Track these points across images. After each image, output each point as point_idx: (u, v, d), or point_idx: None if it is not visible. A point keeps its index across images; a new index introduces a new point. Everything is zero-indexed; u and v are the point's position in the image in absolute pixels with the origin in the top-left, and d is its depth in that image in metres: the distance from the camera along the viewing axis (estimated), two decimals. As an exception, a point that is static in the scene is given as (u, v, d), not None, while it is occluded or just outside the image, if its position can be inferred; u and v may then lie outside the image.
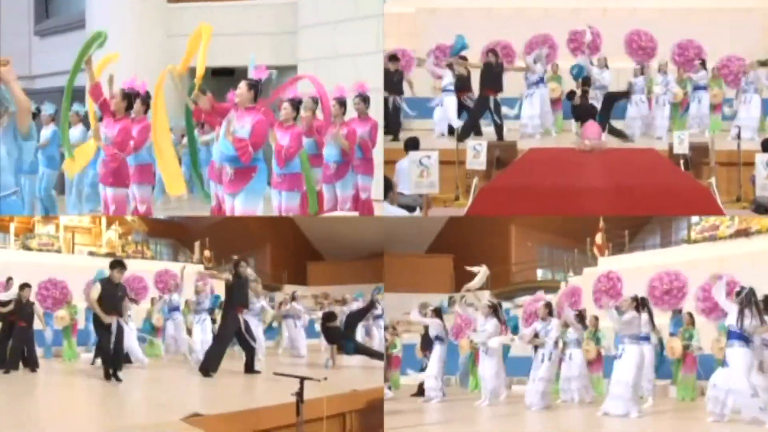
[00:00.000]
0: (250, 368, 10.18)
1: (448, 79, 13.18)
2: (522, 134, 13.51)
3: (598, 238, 16.52)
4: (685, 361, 10.79)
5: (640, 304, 8.92)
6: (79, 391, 9.61)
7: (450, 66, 13.18)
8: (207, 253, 19.67)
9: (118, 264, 9.72)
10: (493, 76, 13.05)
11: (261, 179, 8.33)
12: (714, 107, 13.75)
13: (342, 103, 9.96)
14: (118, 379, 9.36)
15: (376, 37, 13.41)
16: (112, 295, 9.50)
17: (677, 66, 13.95)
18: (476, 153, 11.54)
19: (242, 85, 8.28)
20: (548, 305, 10.08)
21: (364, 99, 10.29)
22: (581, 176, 10.76)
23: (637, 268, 13.37)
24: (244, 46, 14.46)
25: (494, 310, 10.30)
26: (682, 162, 11.74)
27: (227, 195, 8.39)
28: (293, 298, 14.33)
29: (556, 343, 9.84)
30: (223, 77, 13.85)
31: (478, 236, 19.08)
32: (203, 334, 12.40)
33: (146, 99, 9.71)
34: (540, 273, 19.81)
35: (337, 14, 14.12)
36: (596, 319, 11.39)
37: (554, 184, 10.23)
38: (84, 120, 12.03)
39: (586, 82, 13.32)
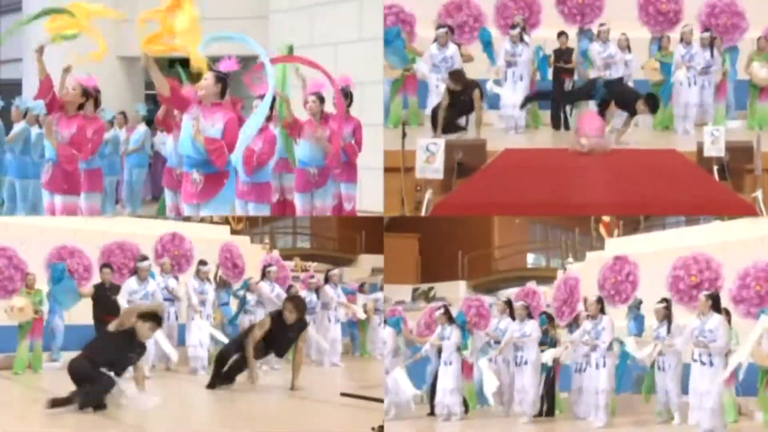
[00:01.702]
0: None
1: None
2: (506, 127, 11.39)
3: (606, 214, 15.09)
4: (720, 372, 9.49)
5: None
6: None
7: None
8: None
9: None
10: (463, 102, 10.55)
11: (232, 187, 7.51)
12: (761, 92, 11.61)
13: (321, 98, 9.00)
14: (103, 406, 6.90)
15: (360, 24, 12.23)
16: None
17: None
18: (429, 155, 8.89)
19: (209, 77, 7.24)
20: (600, 300, 8.92)
21: (346, 95, 9.24)
22: (576, 186, 8.78)
23: (654, 252, 11.48)
24: (210, 33, 13.42)
25: (529, 312, 9.34)
26: (716, 168, 9.65)
27: (188, 206, 7.31)
28: (327, 279, 11.18)
29: (610, 345, 8.73)
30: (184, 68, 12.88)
31: (452, 210, 17.01)
32: (199, 335, 10.00)
33: (97, 96, 8.90)
34: (531, 258, 18.43)
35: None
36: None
37: (538, 198, 8.34)
38: (25, 116, 11.02)
39: (561, 56, 11.47)
